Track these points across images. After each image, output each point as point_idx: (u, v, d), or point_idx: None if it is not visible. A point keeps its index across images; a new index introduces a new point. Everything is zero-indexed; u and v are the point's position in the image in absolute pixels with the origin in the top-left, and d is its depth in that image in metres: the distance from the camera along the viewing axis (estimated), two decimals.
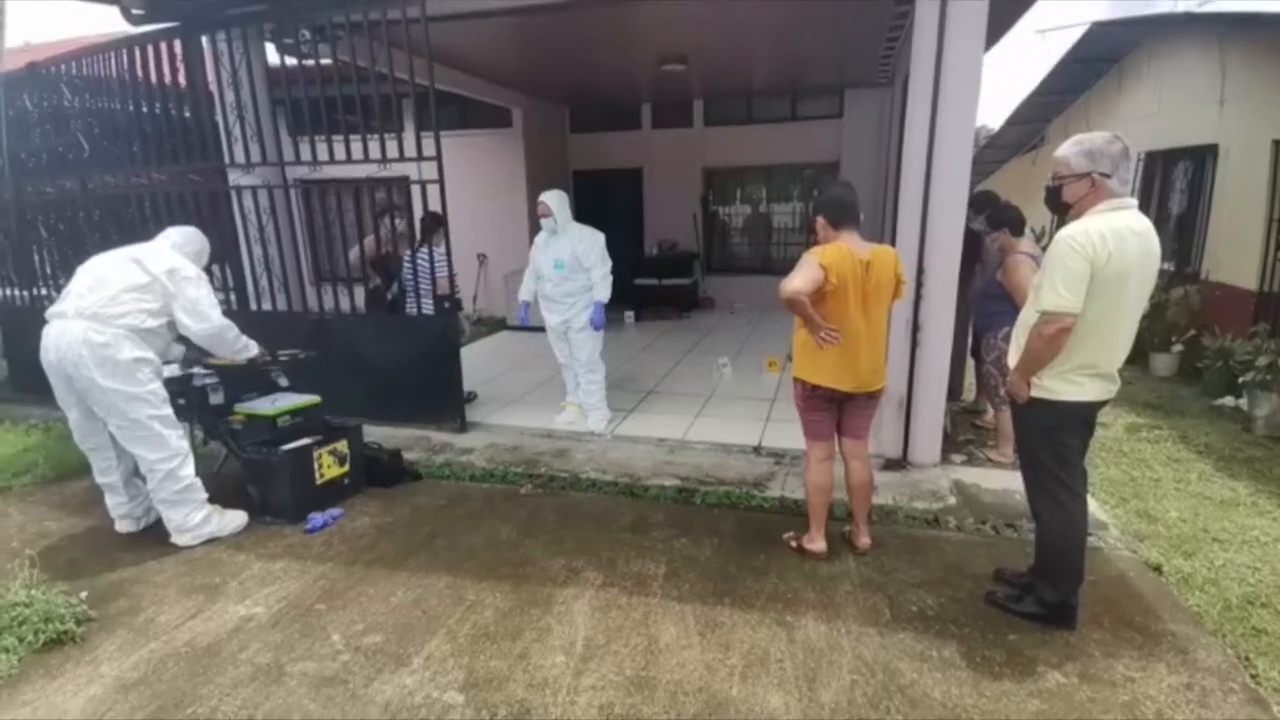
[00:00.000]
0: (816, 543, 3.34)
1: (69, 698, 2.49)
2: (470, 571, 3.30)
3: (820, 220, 3.13)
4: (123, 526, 3.73)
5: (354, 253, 5.78)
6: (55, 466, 4.57)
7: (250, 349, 3.88)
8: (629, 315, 9.49)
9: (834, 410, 3.24)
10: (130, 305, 3.36)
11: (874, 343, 3.11)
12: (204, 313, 3.56)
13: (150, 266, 3.43)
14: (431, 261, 5.31)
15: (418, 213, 5.47)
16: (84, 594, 3.03)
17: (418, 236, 5.56)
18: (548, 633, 2.81)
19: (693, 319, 9.75)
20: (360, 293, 5.61)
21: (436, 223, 5.18)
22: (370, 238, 5.68)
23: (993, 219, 4.29)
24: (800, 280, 2.90)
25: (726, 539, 3.56)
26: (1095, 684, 2.46)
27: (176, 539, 3.56)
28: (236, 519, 3.75)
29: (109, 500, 3.72)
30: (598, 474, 4.31)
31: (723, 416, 5.39)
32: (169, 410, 3.51)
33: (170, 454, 3.48)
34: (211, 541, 3.61)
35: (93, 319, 3.30)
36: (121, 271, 3.41)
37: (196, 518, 3.57)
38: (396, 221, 5.84)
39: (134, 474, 3.67)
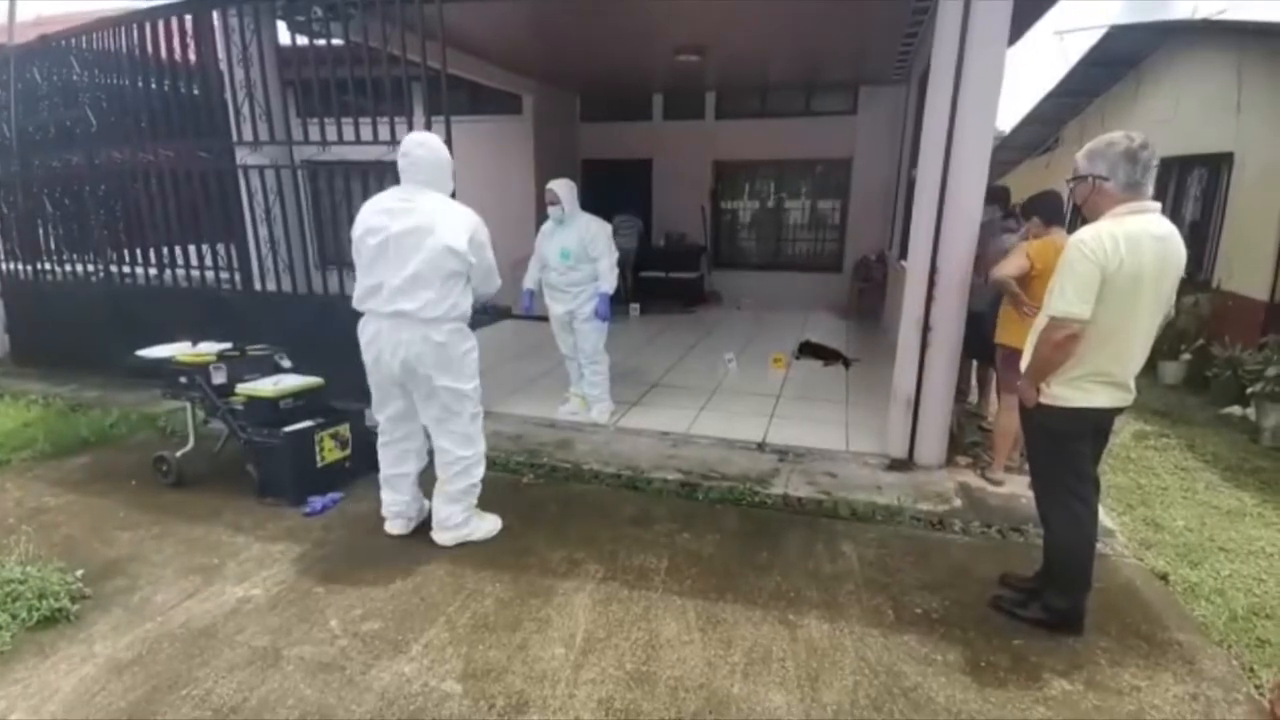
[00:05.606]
0: (994, 471, 4.03)
1: (61, 677, 2.47)
2: (470, 560, 3.27)
3: (1035, 220, 3.82)
4: (394, 526, 3.50)
5: None
6: (55, 442, 4.54)
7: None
8: (634, 308, 9.45)
9: None
10: (454, 296, 3.21)
11: None
12: (494, 273, 3.45)
13: (458, 246, 3.16)
14: None
15: None
16: (80, 571, 3.00)
17: None
18: (547, 624, 2.79)
19: (698, 314, 9.68)
20: None
21: None
22: None
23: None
24: (1011, 268, 3.67)
25: (729, 535, 3.53)
26: (1101, 692, 2.44)
27: (436, 536, 3.40)
28: (492, 525, 3.54)
29: (386, 497, 3.50)
30: (600, 466, 4.28)
31: (727, 412, 5.36)
32: (481, 409, 3.42)
33: (476, 454, 3.40)
34: (210, 521, 3.57)
35: (428, 323, 3.15)
36: (432, 264, 3.12)
37: (459, 518, 3.41)
38: None
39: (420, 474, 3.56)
